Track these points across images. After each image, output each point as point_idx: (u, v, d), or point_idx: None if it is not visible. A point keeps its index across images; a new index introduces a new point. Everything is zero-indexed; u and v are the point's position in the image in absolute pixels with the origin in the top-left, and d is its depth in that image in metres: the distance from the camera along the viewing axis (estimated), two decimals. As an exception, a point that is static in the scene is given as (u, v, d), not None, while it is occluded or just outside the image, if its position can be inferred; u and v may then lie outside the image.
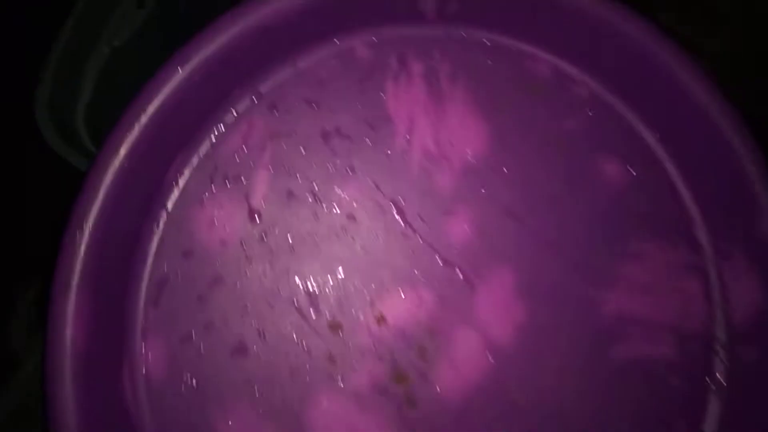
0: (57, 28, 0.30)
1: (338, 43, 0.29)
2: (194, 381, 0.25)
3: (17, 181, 0.29)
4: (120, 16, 0.31)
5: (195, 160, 0.27)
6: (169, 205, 0.26)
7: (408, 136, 0.29)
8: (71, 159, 0.29)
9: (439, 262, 0.28)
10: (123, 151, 0.23)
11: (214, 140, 0.27)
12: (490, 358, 0.27)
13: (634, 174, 0.30)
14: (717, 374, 0.29)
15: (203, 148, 0.27)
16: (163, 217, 0.26)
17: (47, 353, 0.21)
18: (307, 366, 0.26)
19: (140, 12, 0.31)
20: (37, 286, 0.29)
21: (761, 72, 0.35)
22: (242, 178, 0.27)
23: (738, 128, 0.28)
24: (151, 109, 0.23)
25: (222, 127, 0.27)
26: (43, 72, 0.29)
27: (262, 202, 0.27)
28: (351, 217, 0.28)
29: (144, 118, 0.23)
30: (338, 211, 0.28)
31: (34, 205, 0.29)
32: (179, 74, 0.24)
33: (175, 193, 0.26)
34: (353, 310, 0.27)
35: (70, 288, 0.21)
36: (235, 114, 0.28)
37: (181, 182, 0.27)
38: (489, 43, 0.30)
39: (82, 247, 0.22)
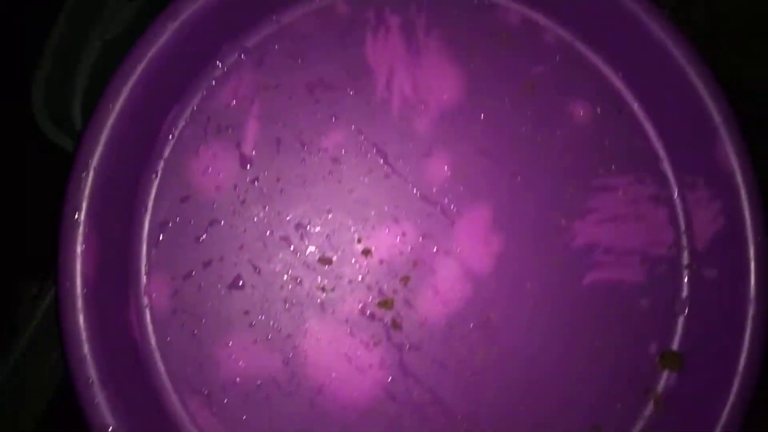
0: (50, 24, 0.31)
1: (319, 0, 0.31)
2: (195, 313, 0.27)
3: (16, 173, 0.31)
4: (111, 11, 0.32)
5: (188, 112, 0.29)
6: (166, 154, 0.28)
7: (388, 85, 0.31)
8: (69, 149, 0.30)
9: (420, 199, 0.30)
10: (122, 98, 0.25)
11: (205, 93, 0.29)
12: (469, 284, 0.29)
13: (601, 114, 0.32)
14: (682, 294, 0.31)
15: (196, 101, 0.29)
16: (161, 166, 0.28)
17: (60, 284, 0.23)
18: (300, 296, 0.28)
19: (131, 5, 0.32)
20: (39, 283, 0.30)
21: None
22: (233, 128, 0.29)
23: (696, 64, 0.30)
24: (145, 60, 0.25)
25: (213, 82, 0.29)
26: (38, 67, 0.30)
27: (253, 150, 0.29)
28: (336, 161, 0.30)
29: (139, 69, 0.25)
30: (324, 156, 0.30)
31: (33, 195, 0.31)
32: (170, 29, 0.26)
33: (171, 143, 0.28)
34: (341, 245, 0.29)
35: (78, 223, 0.23)
36: (224, 69, 0.30)
37: (176, 133, 0.29)
38: (460, -4, 0.32)
39: (88, 186, 0.24)
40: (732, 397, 0.28)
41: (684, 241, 0.32)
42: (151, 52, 0.25)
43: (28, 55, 0.30)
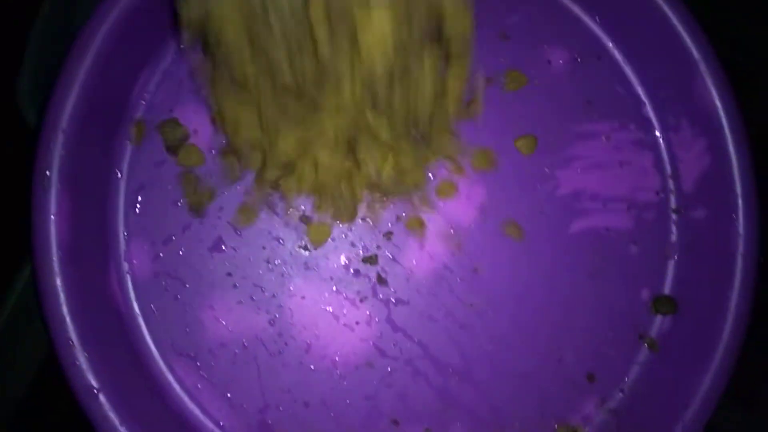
0: (32, 16, 0.31)
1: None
2: (177, 277, 0.27)
3: (1, 163, 0.30)
4: (89, 2, 0.32)
5: (159, 75, 0.28)
6: (139, 117, 0.28)
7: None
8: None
9: (400, 154, 0.29)
10: (89, 58, 0.24)
11: (176, 56, 0.29)
12: (454, 237, 0.29)
13: (581, 61, 0.32)
14: (672, 238, 0.31)
15: (166, 64, 0.28)
16: (133, 130, 0.28)
17: (35, 247, 0.23)
18: (283, 256, 0.28)
19: None
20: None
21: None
22: (205, 90, 0.29)
23: (673, 1, 0.29)
24: (111, 17, 0.25)
25: (182, 45, 0.29)
26: (22, 59, 0.30)
27: (228, 112, 0.29)
28: (313, 120, 0.29)
29: (105, 27, 0.24)
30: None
31: (15, 187, 0.30)
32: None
33: (143, 107, 0.28)
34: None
35: (50, 184, 0.23)
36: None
37: (148, 97, 0.28)
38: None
39: (58, 147, 0.23)
40: (725, 336, 0.28)
41: (671, 184, 0.31)
42: (117, 9, 0.25)
43: (12, 48, 0.30)
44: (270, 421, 0.27)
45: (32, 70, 0.30)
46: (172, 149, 0.27)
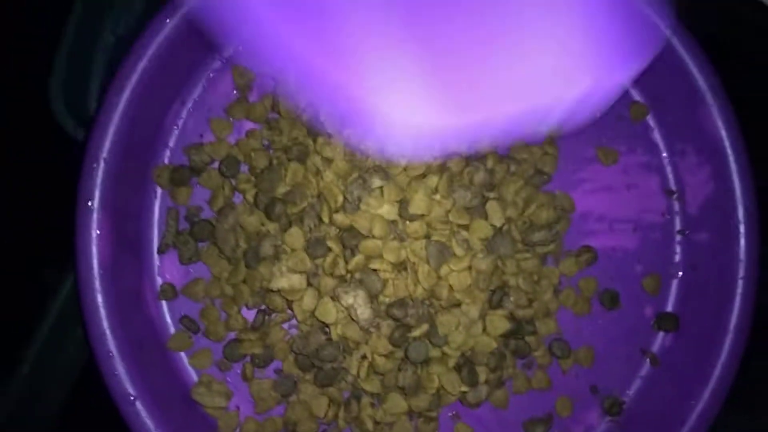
0: (64, 22, 0.32)
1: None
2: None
3: (36, 167, 0.32)
4: (121, 6, 0.33)
5: (190, 104, 0.30)
6: (171, 143, 0.30)
7: None
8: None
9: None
10: (126, 93, 0.26)
11: (205, 85, 0.31)
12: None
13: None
14: (676, 258, 0.32)
15: (197, 93, 0.30)
16: (167, 155, 0.30)
17: (78, 267, 0.25)
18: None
19: (140, 0, 0.34)
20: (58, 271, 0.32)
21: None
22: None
23: (681, 35, 0.30)
24: (147, 56, 0.27)
25: (211, 74, 0.31)
26: (55, 63, 0.32)
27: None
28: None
29: (141, 64, 0.26)
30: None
31: (52, 188, 0.32)
32: (169, 25, 0.27)
33: (176, 133, 0.30)
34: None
35: (92, 210, 0.25)
36: (222, 60, 0.31)
37: (180, 123, 0.30)
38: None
39: (99, 176, 0.25)
40: (724, 354, 0.29)
41: (676, 207, 0.32)
42: (152, 48, 0.26)
43: (45, 53, 0.32)
44: None
45: (64, 71, 0.32)
46: (196, 171, 0.29)
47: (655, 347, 0.32)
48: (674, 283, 0.32)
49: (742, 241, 0.30)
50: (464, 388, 0.28)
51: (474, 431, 0.30)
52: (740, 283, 0.30)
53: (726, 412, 0.29)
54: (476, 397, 0.29)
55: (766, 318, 0.30)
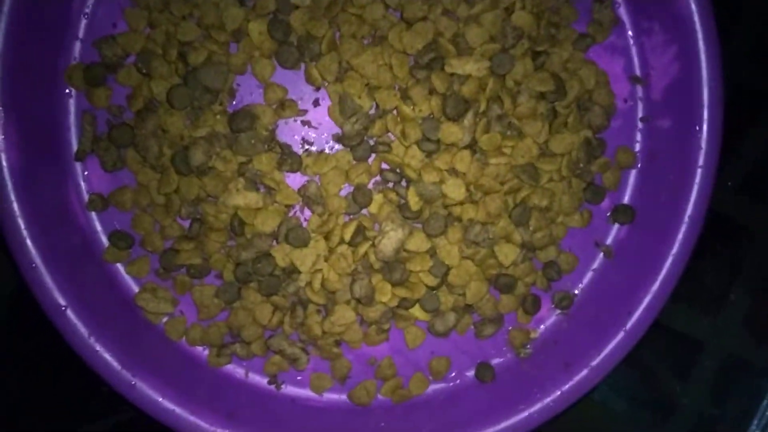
0: None
1: None
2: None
3: None
4: None
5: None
6: (81, 34, 0.27)
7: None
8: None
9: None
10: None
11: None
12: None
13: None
14: (636, 147, 0.30)
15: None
16: (78, 48, 0.27)
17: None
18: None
19: None
20: None
21: None
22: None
23: None
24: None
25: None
26: None
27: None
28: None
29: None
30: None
31: None
32: None
33: (85, 23, 0.27)
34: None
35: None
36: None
37: (89, 12, 0.27)
38: None
39: (-1, 74, 0.23)
40: (677, 245, 0.28)
41: (640, 92, 0.30)
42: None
43: None
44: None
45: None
46: (111, 67, 0.27)
47: (610, 240, 0.31)
48: (632, 174, 0.31)
49: (705, 127, 0.28)
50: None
51: (425, 333, 0.30)
52: (699, 172, 0.28)
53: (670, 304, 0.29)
54: (444, 324, 0.29)
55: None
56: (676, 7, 0.28)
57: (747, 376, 0.33)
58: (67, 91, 0.27)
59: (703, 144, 0.28)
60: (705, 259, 0.32)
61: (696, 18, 0.27)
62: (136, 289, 0.28)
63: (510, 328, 0.30)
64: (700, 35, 0.28)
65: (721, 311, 0.33)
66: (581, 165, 0.29)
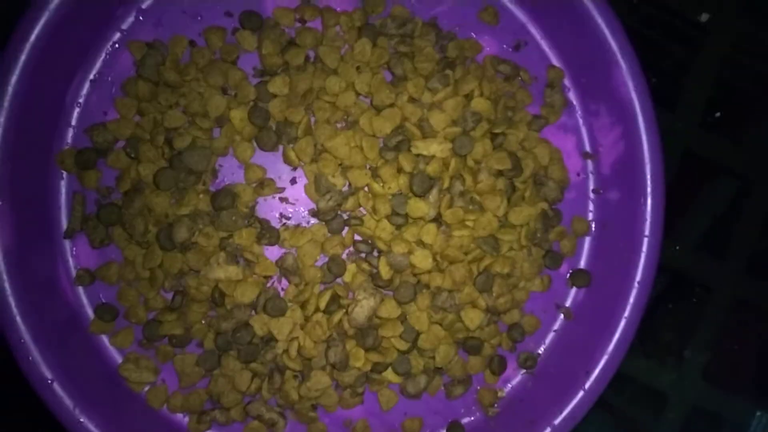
0: None
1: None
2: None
3: None
4: None
5: (92, 78, 0.29)
6: (74, 122, 0.29)
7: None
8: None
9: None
10: (17, 69, 0.25)
11: (107, 58, 0.29)
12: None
13: (507, 48, 0.32)
14: (589, 216, 0.33)
15: (97, 66, 0.29)
16: (71, 134, 0.29)
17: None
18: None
19: None
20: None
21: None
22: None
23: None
24: (39, 27, 0.25)
25: (111, 46, 0.29)
26: None
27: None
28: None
29: (34, 35, 0.25)
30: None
31: None
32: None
33: (77, 112, 0.29)
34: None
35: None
36: (122, 32, 0.30)
37: (82, 101, 0.29)
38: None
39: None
40: (629, 308, 0.31)
41: (591, 166, 0.33)
42: (43, 19, 0.25)
43: None
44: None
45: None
46: (102, 152, 0.29)
47: (569, 302, 0.33)
48: (587, 241, 0.33)
49: (649, 200, 0.31)
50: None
51: (398, 396, 0.31)
52: (645, 240, 0.31)
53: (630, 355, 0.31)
54: (415, 387, 0.30)
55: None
56: (618, 94, 0.31)
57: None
58: (60, 175, 0.29)
59: (648, 216, 0.31)
60: (664, 314, 0.34)
61: (636, 103, 0.31)
62: (119, 359, 0.29)
63: (479, 387, 0.32)
64: (640, 118, 0.31)
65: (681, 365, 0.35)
66: (539, 234, 0.31)
